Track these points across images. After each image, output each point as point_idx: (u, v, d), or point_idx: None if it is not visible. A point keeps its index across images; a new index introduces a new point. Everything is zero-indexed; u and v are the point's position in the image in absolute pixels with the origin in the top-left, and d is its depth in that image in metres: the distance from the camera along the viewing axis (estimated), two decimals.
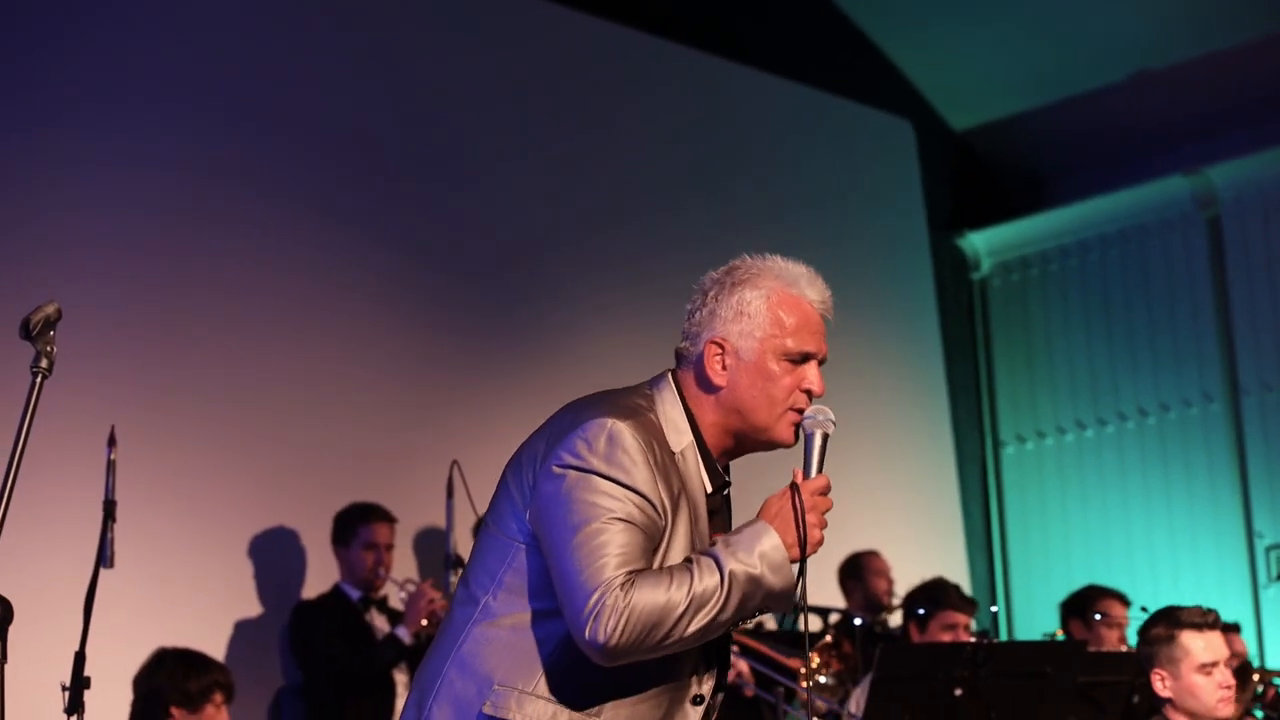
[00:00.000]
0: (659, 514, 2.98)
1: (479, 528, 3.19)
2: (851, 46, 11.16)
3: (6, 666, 3.01)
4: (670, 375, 3.19)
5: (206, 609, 7.07)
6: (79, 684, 5.03)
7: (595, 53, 9.32)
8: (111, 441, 5.57)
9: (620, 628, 2.84)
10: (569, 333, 8.64)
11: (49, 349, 3.11)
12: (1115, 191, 11.03)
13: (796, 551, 3.00)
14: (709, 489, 3.13)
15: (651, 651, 2.90)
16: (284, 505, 7.41)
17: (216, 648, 7.02)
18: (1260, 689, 7.37)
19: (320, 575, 7.31)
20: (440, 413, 7.99)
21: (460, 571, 6.71)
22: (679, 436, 3.10)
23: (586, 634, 2.85)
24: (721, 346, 3.13)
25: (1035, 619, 10.43)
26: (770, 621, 8.36)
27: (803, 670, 6.49)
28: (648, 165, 9.36)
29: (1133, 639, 7.64)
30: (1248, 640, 9.16)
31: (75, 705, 5.01)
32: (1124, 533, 10.72)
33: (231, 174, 7.58)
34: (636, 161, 9.32)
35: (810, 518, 3.01)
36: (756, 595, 2.96)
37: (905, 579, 8.01)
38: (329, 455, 7.59)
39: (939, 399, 10.87)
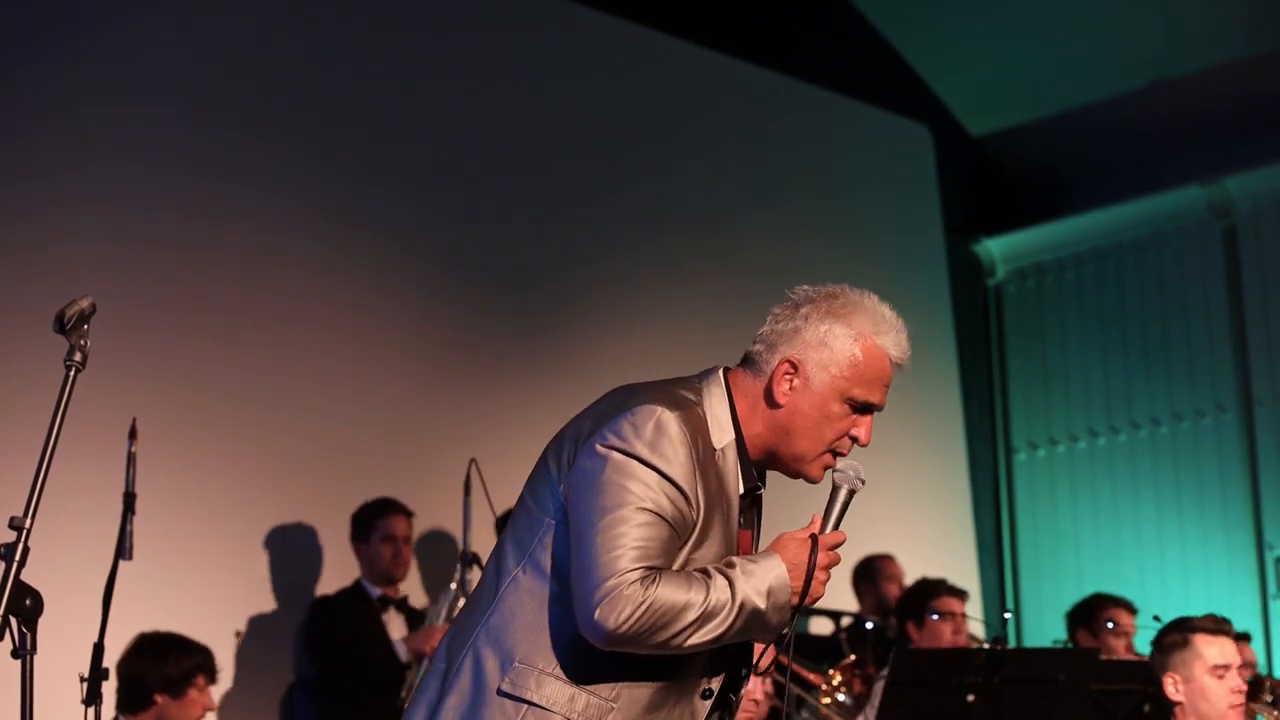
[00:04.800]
0: (691, 508, 3.01)
1: (500, 524, 3.23)
2: (871, 51, 11.16)
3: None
4: (722, 372, 3.22)
5: (223, 602, 7.09)
6: (97, 675, 5.05)
7: (613, 54, 9.32)
8: (132, 434, 5.58)
9: (634, 617, 2.87)
10: (588, 334, 8.65)
11: (83, 343, 3.13)
12: (1132, 200, 11.02)
13: (797, 599, 3.04)
14: (743, 489, 3.16)
15: (647, 648, 2.94)
16: (302, 502, 7.44)
17: (231, 641, 7.06)
18: (1271, 699, 7.37)
19: (336, 572, 7.34)
20: (459, 412, 8.00)
21: (476, 570, 6.75)
22: (722, 434, 3.12)
23: (596, 614, 2.88)
24: (796, 367, 3.15)
25: (1045, 626, 10.43)
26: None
27: (823, 687, 6.51)
28: (665, 168, 9.36)
29: (1140, 648, 7.67)
30: (1257, 651, 9.17)
31: (93, 696, 5.03)
32: (1135, 542, 10.72)
33: (254, 173, 7.60)
34: (653, 165, 9.33)
35: (821, 572, 3.06)
36: (754, 627, 3.01)
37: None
38: (348, 453, 7.61)
39: (952, 404, 10.87)
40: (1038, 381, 11.47)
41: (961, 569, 10.02)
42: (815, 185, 10.21)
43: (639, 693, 3.04)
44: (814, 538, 3.08)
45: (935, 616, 7.25)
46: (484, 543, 6.72)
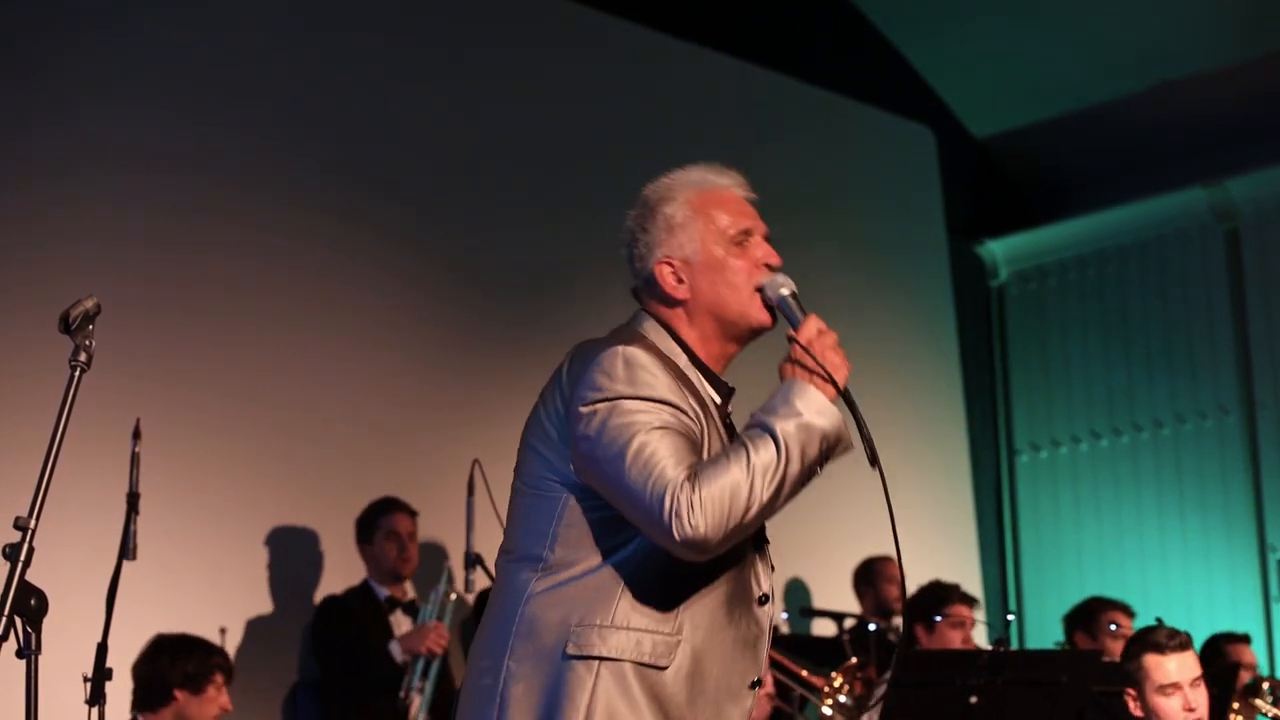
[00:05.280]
0: (692, 419, 3.05)
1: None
2: (874, 52, 11.17)
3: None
4: (643, 311, 3.30)
5: (226, 603, 7.10)
6: (101, 675, 5.05)
7: (616, 55, 9.33)
8: (136, 435, 5.58)
9: (703, 518, 2.87)
10: (591, 335, 8.63)
11: (87, 343, 3.13)
12: (1134, 202, 11.02)
13: (829, 389, 3.09)
14: (718, 400, 3.22)
15: (741, 530, 2.95)
16: (305, 503, 7.45)
17: (235, 642, 7.06)
18: (1272, 699, 7.38)
19: (339, 573, 7.34)
20: (461, 412, 8.01)
21: (479, 570, 6.75)
22: (676, 359, 3.18)
23: (676, 535, 2.88)
24: (671, 263, 3.23)
25: (1047, 628, 10.43)
26: (784, 627, 8.39)
27: (825, 689, 6.52)
28: (666, 169, 9.32)
29: None
30: (1260, 652, 9.18)
31: (97, 696, 5.03)
32: (1137, 543, 10.72)
33: (257, 174, 7.61)
34: (655, 166, 9.28)
35: (827, 350, 3.11)
36: (813, 440, 3.01)
37: (917, 585, 8.02)
38: (351, 454, 7.62)
39: (955, 406, 10.88)
40: (1040, 383, 11.47)
41: (963, 570, 10.02)
42: (818, 187, 10.21)
43: (699, 618, 3.04)
44: (790, 339, 3.13)
45: (940, 619, 7.25)
46: (487, 543, 6.71)
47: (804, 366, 3.09)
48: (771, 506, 2.98)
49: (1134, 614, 8.17)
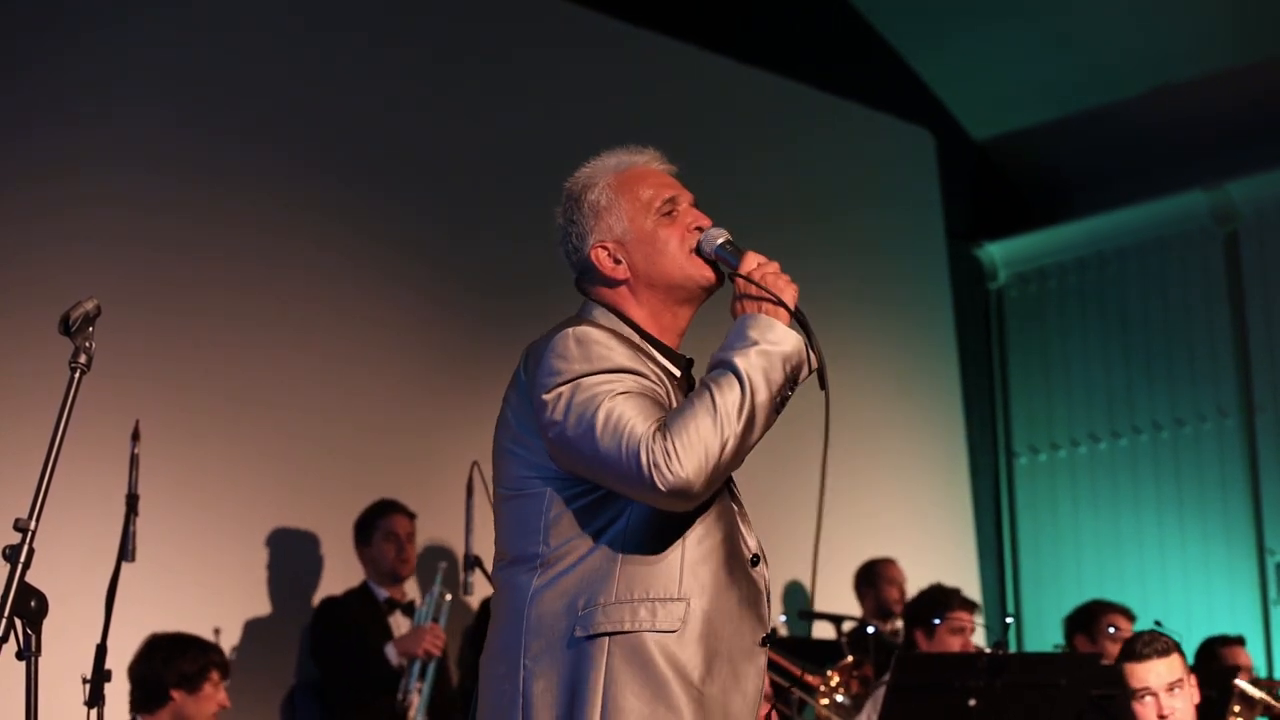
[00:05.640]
0: (655, 381, 3.06)
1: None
2: (874, 54, 11.18)
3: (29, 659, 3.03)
4: (588, 301, 3.31)
5: (225, 605, 7.10)
6: (100, 676, 5.05)
7: (615, 57, 9.33)
8: (135, 436, 5.58)
9: (679, 463, 2.88)
10: None
11: (88, 345, 3.13)
12: (1134, 205, 11.04)
13: (782, 313, 3.09)
14: (677, 373, 3.22)
15: (722, 469, 2.95)
16: (304, 504, 7.44)
17: (233, 642, 7.06)
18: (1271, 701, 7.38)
19: (338, 574, 7.34)
20: (460, 414, 8.00)
21: (478, 572, 6.75)
22: (630, 337, 3.18)
23: (660, 485, 2.88)
24: (605, 247, 3.26)
25: (1045, 630, 10.45)
26: (783, 629, 8.39)
27: (821, 688, 6.51)
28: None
29: None
30: (1258, 656, 9.18)
31: (96, 697, 5.03)
32: (1135, 546, 10.73)
33: (256, 176, 7.60)
34: None
35: (769, 275, 3.12)
36: (775, 365, 3.02)
37: (916, 587, 8.03)
38: (350, 455, 7.62)
39: (953, 408, 10.88)
40: (1039, 385, 11.49)
41: (962, 573, 10.03)
42: (817, 189, 10.22)
43: (703, 580, 3.04)
44: (730, 278, 3.17)
45: (938, 622, 7.24)
46: (486, 545, 6.71)
47: (752, 298, 3.11)
48: (747, 439, 2.98)
49: (1135, 617, 8.17)
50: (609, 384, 2.98)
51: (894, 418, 10.27)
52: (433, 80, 8.43)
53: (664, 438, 2.89)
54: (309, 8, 8.09)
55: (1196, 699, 5.39)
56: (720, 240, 3.24)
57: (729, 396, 2.96)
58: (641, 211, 3.26)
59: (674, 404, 3.08)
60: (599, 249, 3.26)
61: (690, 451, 2.89)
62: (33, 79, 6.99)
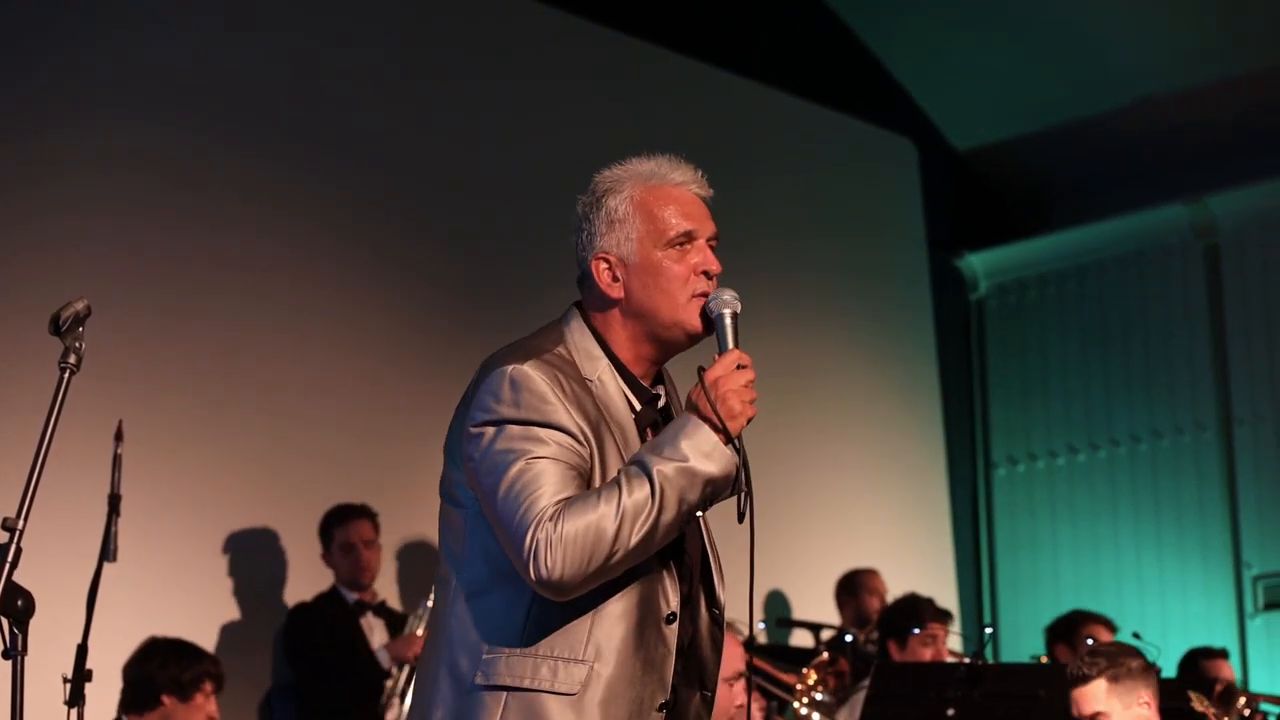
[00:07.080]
0: (582, 443, 2.98)
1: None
2: (857, 64, 11.20)
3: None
4: (576, 306, 3.22)
5: (205, 606, 7.08)
6: (81, 676, 5.05)
7: (596, 61, 9.32)
8: (118, 436, 5.58)
9: (559, 558, 2.84)
10: None
11: (77, 345, 3.14)
12: (1114, 217, 11.07)
13: (725, 434, 2.97)
14: (637, 407, 3.14)
15: (603, 573, 2.89)
16: (284, 507, 7.43)
17: (213, 644, 7.05)
18: (1246, 713, 7.40)
19: (317, 577, 7.33)
20: (444, 419, 7.96)
21: None
22: (593, 363, 3.11)
23: (532, 574, 2.85)
24: (607, 260, 3.15)
25: (1023, 641, 10.45)
26: (761, 636, 8.41)
27: (799, 686, 6.53)
28: None
29: None
30: (1234, 669, 9.20)
31: (76, 697, 5.02)
32: (1113, 558, 10.76)
33: (240, 179, 7.59)
34: None
35: (730, 394, 2.99)
36: (695, 485, 2.94)
37: (894, 597, 8.05)
38: (333, 458, 7.61)
39: (933, 417, 10.90)
40: (1018, 397, 11.51)
41: (940, 583, 10.05)
42: (799, 198, 10.22)
43: (611, 640, 2.98)
44: (701, 369, 3.04)
45: (915, 632, 7.26)
46: None
47: (704, 401, 2.99)
48: (640, 551, 2.92)
49: (1116, 628, 8.19)
50: (530, 441, 2.94)
51: (873, 426, 10.29)
52: (428, 92, 8.42)
53: (554, 527, 2.85)
54: (296, 16, 8.08)
55: None
56: (727, 313, 3.10)
57: (635, 505, 2.89)
58: (653, 237, 3.14)
59: (608, 455, 3.02)
60: (601, 260, 3.15)
61: (574, 550, 2.84)
62: (18, 85, 6.98)
